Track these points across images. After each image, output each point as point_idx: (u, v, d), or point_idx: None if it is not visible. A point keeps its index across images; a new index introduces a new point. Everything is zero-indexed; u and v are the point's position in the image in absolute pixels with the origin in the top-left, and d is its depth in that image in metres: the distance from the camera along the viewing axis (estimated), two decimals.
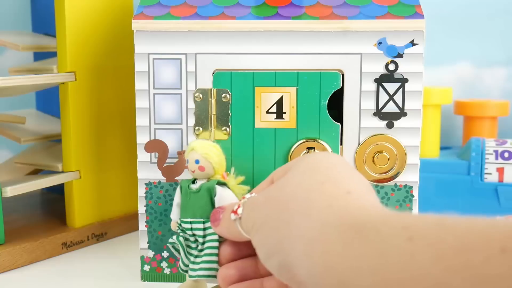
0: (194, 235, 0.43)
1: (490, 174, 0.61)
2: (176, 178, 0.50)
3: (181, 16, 0.49)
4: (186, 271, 0.44)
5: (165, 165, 0.50)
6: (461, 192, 0.62)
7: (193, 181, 0.45)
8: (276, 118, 0.49)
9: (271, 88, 0.49)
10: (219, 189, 0.44)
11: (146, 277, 0.52)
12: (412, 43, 0.48)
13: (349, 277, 0.29)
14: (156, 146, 0.50)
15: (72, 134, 0.59)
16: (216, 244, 0.42)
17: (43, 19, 0.73)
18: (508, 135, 0.75)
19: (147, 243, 0.52)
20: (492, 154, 0.61)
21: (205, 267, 0.42)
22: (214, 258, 0.42)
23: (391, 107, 0.48)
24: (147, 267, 0.52)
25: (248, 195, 0.39)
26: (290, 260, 0.32)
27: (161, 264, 0.52)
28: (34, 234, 0.59)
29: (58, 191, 0.72)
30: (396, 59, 0.48)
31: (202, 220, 0.43)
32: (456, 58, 0.77)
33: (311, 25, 0.48)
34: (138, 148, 0.50)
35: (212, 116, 0.49)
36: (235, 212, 0.38)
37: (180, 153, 0.50)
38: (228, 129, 0.50)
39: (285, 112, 0.49)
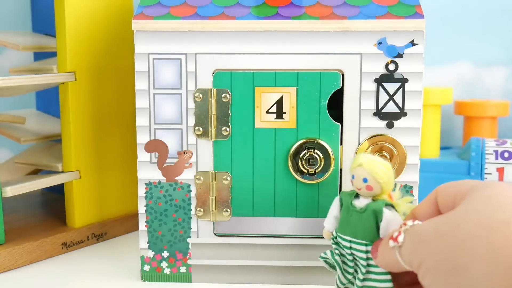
0: (352, 254, 0.41)
1: (490, 174, 0.61)
2: (176, 178, 0.50)
3: (181, 16, 0.49)
4: None
5: (165, 165, 0.50)
6: None
7: (356, 195, 0.42)
8: (276, 118, 0.49)
9: (271, 88, 0.49)
10: (387, 213, 0.40)
11: (146, 277, 0.52)
12: (412, 43, 0.47)
13: None
14: (156, 146, 0.50)
15: (72, 134, 0.59)
16: (382, 270, 0.40)
17: (43, 19, 0.73)
18: (508, 135, 0.75)
19: (147, 243, 0.52)
20: (492, 154, 0.61)
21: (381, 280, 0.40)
22: (381, 285, 0.40)
23: (391, 107, 0.48)
24: (147, 267, 0.52)
25: (410, 222, 0.36)
26: None
27: (161, 264, 0.52)
28: (34, 234, 0.59)
29: (58, 191, 0.72)
30: (396, 59, 0.48)
31: (364, 242, 0.40)
32: (456, 58, 0.77)
33: (311, 25, 0.48)
34: (138, 148, 0.50)
35: (212, 116, 0.49)
36: (394, 239, 0.35)
37: (180, 153, 0.50)
38: (228, 129, 0.50)
39: (285, 112, 0.49)
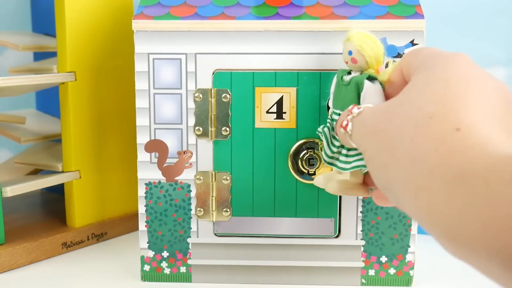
0: None
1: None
2: (176, 178, 0.50)
3: (181, 16, 0.49)
4: (330, 163, 0.43)
5: (165, 165, 0.50)
6: None
7: (349, 72, 0.43)
8: (276, 118, 0.49)
9: (271, 88, 0.49)
10: (367, 83, 0.40)
11: (146, 277, 0.52)
12: (412, 43, 0.47)
13: (455, 226, 0.28)
14: (156, 146, 0.50)
15: (72, 134, 0.59)
16: None
17: (43, 19, 0.73)
18: None
19: (147, 243, 0.52)
20: None
21: (359, 158, 0.40)
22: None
23: None
24: (147, 267, 0.52)
25: (355, 110, 0.37)
26: (400, 202, 0.32)
27: (161, 264, 0.52)
28: (34, 234, 0.59)
29: (58, 191, 0.72)
30: (396, 59, 0.48)
31: None
32: None
33: (311, 25, 0.48)
34: (138, 148, 0.50)
35: (212, 116, 0.49)
36: (344, 127, 0.38)
37: (180, 153, 0.50)
38: (228, 129, 0.49)
39: (285, 112, 0.49)
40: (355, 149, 0.41)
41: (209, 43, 0.49)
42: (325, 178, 0.45)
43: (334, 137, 0.43)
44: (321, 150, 0.46)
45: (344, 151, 0.42)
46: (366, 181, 0.43)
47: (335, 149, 0.42)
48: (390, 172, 0.32)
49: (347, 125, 0.37)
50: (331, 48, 0.48)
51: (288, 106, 0.49)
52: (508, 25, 0.76)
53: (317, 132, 0.45)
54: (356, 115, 0.37)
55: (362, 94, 0.41)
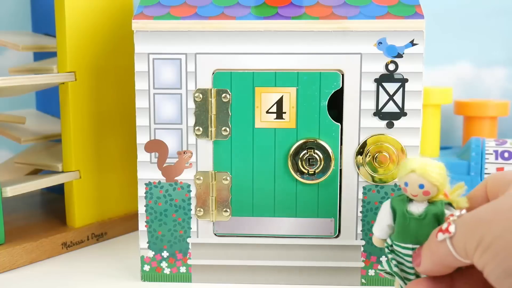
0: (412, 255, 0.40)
1: (490, 174, 0.61)
2: (176, 178, 0.50)
3: (181, 16, 0.49)
4: None
5: (165, 165, 0.50)
6: None
7: (409, 200, 0.40)
8: (276, 118, 0.49)
9: (271, 88, 0.49)
10: (446, 213, 0.39)
11: (146, 277, 0.52)
12: (412, 43, 0.48)
13: None
14: (156, 146, 0.50)
15: (72, 134, 0.59)
16: None
17: (43, 19, 0.73)
18: (508, 135, 0.75)
19: (147, 243, 0.52)
20: (492, 154, 0.61)
21: None
22: None
23: (391, 107, 0.48)
24: (147, 267, 0.52)
25: (457, 213, 0.36)
26: None
27: (161, 264, 0.52)
28: (34, 234, 0.59)
29: (58, 191, 0.72)
30: (396, 59, 0.48)
31: None
32: (456, 58, 0.77)
33: (311, 25, 0.48)
34: (138, 148, 0.50)
35: (212, 116, 0.49)
36: (445, 231, 0.35)
37: (180, 153, 0.50)
38: (228, 129, 0.50)
39: (285, 112, 0.49)
40: None
41: (209, 43, 0.49)
42: None
43: (405, 271, 0.41)
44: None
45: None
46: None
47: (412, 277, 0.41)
48: None
49: (448, 226, 0.35)
50: (331, 48, 0.48)
51: (288, 106, 0.49)
52: (508, 25, 0.76)
53: (379, 271, 0.43)
54: (457, 217, 0.36)
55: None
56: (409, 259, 0.40)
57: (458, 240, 0.35)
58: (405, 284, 0.41)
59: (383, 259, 0.42)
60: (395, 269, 0.41)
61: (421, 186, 0.39)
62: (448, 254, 0.35)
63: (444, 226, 0.36)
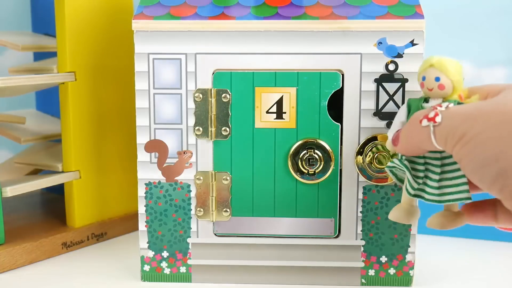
0: (424, 157, 0.42)
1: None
2: (176, 178, 0.50)
3: (181, 16, 0.49)
4: (416, 195, 0.42)
5: (165, 165, 0.50)
6: None
7: (425, 100, 0.42)
8: (276, 118, 0.49)
9: (271, 88, 0.49)
10: (435, 104, 0.40)
11: (146, 277, 0.52)
12: (412, 43, 0.48)
13: None
14: (156, 146, 0.50)
15: (72, 134, 0.59)
16: (455, 167, 0.41)
17: (43, 19, 0.73)
18: None
19: (147, 243, 0.52)
20: None
21: (456, 191, 0.40)
22: (464, 180, 0.40)
23: (391, 107, 0.48)
24: (147, 267, 0.52)
25: (444, 104, 0.39)
26: (509, 174, 0.34)
27: (161, 264, 0.52)
28: (34, 234, 0.59)
29: (58, 191, 0.72)
30: (396, 59, 0.48)
31: None
32: (456, 58, 0.77)
33: (311, 25, 0.48)
34: (138, 148, 0.50)
35: (212, 116, 0.49)
36: (431, 119, 0.38)
37: (180, 153, 0.50)
38: (228, 129, 0.50)
39: (285, 112, 0.49)
40: (449, 179, 0.41)
41: (209, 43, 0.49)
42: (403, 211, 0.44)
43: (415, 169, 0.42)
44: (398, 181, 0.45)
45: (433, 183, 0.41)
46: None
47: (420, 181, 0.42)
48: (504, 141, 0.34)
49: (435, 116, 0.38)
50: (331, 48, 0.48)
51: (288, 106, 0.49)
52: (508, 25, 0.76)
53: (387, 169, 0.44)
54: (445, 108, 0.38)
55: None
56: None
57: (441, 130, 0.37)
58: (414, 180, 0.42)
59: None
60: (405, 162, 0.42)
61: (437, 79, 0.40)
62: (427, 140, 0.38)
63: (431, 114, 0.38)
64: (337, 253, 0.51)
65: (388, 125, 0.49)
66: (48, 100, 0.74)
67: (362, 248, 0.51)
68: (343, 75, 0.48)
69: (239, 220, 0.51)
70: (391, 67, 0.48)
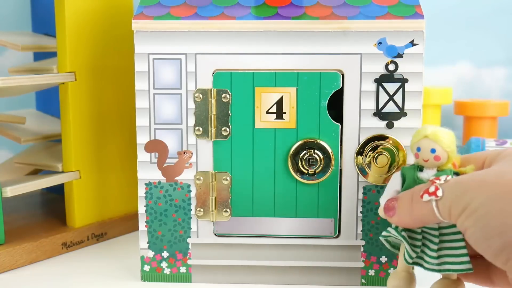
0: (421, 227, 0.42)
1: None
2: (176, 178, 0.50)
3: (181, 16, 0.49)
4: (415, 263, 0.42)
5: (165, 165, 0.50)
6: None
7: (419, 169, 0.42)
8: (276, 118, 0.49)
9: (271, 88, 0.49)
10: (432, 177, 0.40)
11: (146, 277, 0.52)
12: (412, 43, 0.48)
13: None
14: (156, 146, 0.50)
15: (72, 134, 0.59)
16: (456, 238, 0.41)
17: (43, 19, 0.73)
18: (508, 135, 0.76)
19: (147, 243, 0.52)
20: None
21: (457, 261, 0.40)
22: (464, 251, 0.40)
23: (391, 107, 0.48)
24: (147, 267, 0.52)
25: (443, 177, 0.39)
26: None
27: (161, 264, 0.52)
28: (34, 234, 0.59)
29: (58, 191, 0.72)
30: (396, 59, 0.48)
31: None
32: (456, 58, 0.77)
33: (311, 25, 0.48)
34: (138, 148, 0.50)
35: (212, 116, 0.49)
36: (432, 193, 0.38)
37: (180, 153, 0.50)
38: (228, 129, 0.50)
39: (285, 112, 0.49)
40: (448, 249, 0.41)
41: (209, 43, 0.49)
42: (402, 280, 0.44)
43: (412, 237, 0.42)
44: (392, 248, 0.45)
45: (432, 253, 0.41)
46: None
47: (418, 250, 0.42)
48: (506, 216, 0.34)
49: (435, 191, 0.38)
50: (331, 48, 0.48)
51: (288, 106, 0.49)
52: (508, 25, 0.76)
53: (382, 238, 0.44)
54: (444, 182, 0.39)
55: None
56: None
57: (444, 203, 0.38)
58: (412, 250, 0.42)
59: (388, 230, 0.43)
60: (403, 233, 0.42)
61: (433, 151, 0.41)
62: (430, 214, 0.39)
63: (431, 189, 0.39)
64: (337, 253, 0.51)
65: (388, 125, 0.49)
66: (48, 100, 0.74)
67: (362, 248, 0.51)
68: (343, 75, 0.48)
69: (239, 220, 0.51)
70: (391, 67, 0.48)
